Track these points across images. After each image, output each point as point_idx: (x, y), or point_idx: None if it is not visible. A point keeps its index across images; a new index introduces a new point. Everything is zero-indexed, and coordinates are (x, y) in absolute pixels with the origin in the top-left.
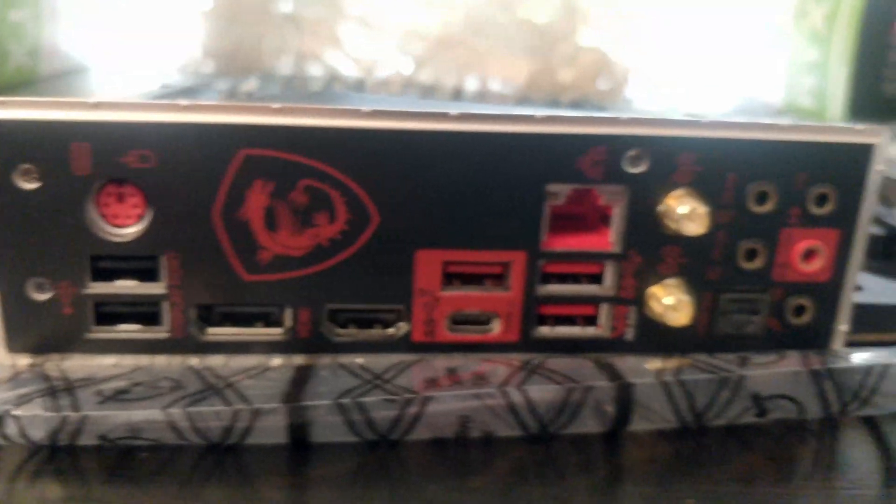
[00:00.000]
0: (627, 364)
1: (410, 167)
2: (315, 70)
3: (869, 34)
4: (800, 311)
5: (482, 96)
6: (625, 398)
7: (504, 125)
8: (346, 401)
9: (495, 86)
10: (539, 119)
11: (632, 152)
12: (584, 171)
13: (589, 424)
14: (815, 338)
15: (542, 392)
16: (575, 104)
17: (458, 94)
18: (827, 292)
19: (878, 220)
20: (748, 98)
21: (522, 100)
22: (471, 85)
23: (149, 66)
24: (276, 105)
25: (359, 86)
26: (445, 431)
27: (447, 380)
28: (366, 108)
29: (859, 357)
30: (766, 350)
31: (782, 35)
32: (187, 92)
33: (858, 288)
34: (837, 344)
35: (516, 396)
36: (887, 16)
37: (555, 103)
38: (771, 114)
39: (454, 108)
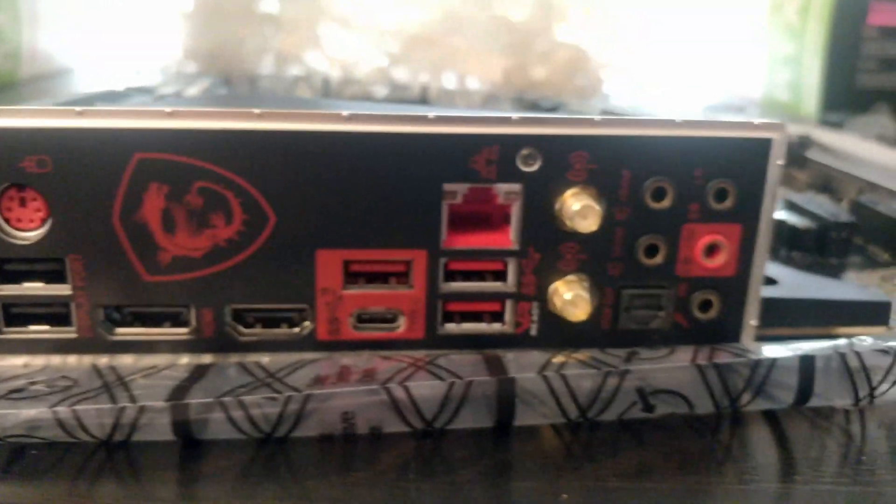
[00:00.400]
0: (520, 359)
1: (304, 168)
2: (295, 70)
3: (841, 26)
4: (706, 306)
5: (454, 94)
6: (506, 393)
7: (396, 126)
8: (227, 399)
9: (470, 83)
10: (432, 119)
11: (524, 151)
12: (478, 170)
13: (474, 419)
14: (723, 333)
15: (423, 388)
16: (548, 101)
17: (427, 93)
18: (733, 287)
19: (809, 214)
20: (728, 93)
21: (491, 98)
22: (446, 82)
23: (131, 67)
24: (167, 109)
25: (333, 85)
26: (331, 428)
27: (335, 377)
28: (258, 110)
29: (760, 351)
30: (675, 345)
31: (760, 29)
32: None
33: (773, 282)
34: (747, 339)
35: (398, 392)
36: (860, 7)
37: (522, 101)
38: (751, 108)
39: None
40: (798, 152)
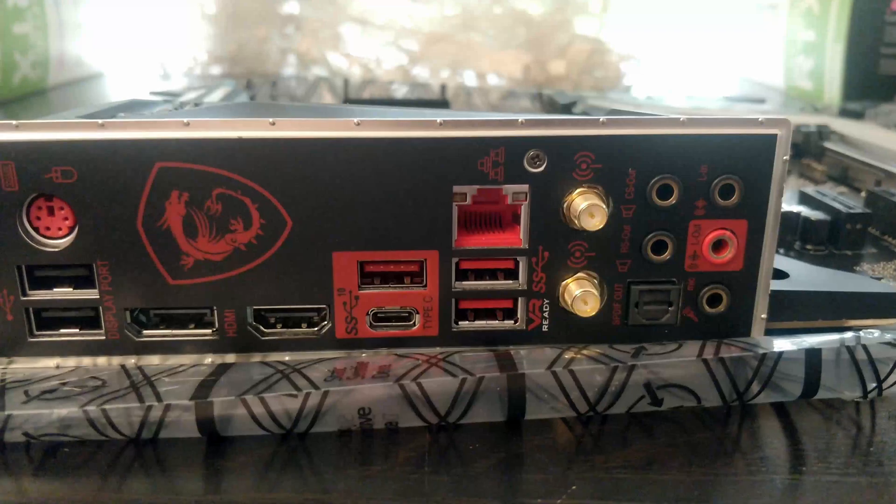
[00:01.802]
0: (531, 355)
1: (317, 173)
2: (316, 70)
3: (863, 13)
4: (715, 300)
5: (473, 91)
6: (517, 388)
7: (406, 131)
8: (249, 396)
9: (489, 80)
10: (440, 124)
11: (531, 153)
12: (487, 172)
13: (486, 414)
14: (733, 327)
15: (436, 384)
16: (566, 96)
17: (447, 90)
18: (741, 281)
19: (823, 205)
20: (749, 82)
21: (510, 94)
22: (465, 79)
23: (158, 69)
24: (185, 120)
25: (353, 86)
26: (349, 423)
27: (351, 372)
28: (272, 119)
29: (769, 345)
30: (685, 339)
31: (778, 17)
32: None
33: (784, 275)
34: (757, 332)
35: (412, 388)
36: None
37: (541, 96)
38: (773, 97)
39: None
40: (817, 143)
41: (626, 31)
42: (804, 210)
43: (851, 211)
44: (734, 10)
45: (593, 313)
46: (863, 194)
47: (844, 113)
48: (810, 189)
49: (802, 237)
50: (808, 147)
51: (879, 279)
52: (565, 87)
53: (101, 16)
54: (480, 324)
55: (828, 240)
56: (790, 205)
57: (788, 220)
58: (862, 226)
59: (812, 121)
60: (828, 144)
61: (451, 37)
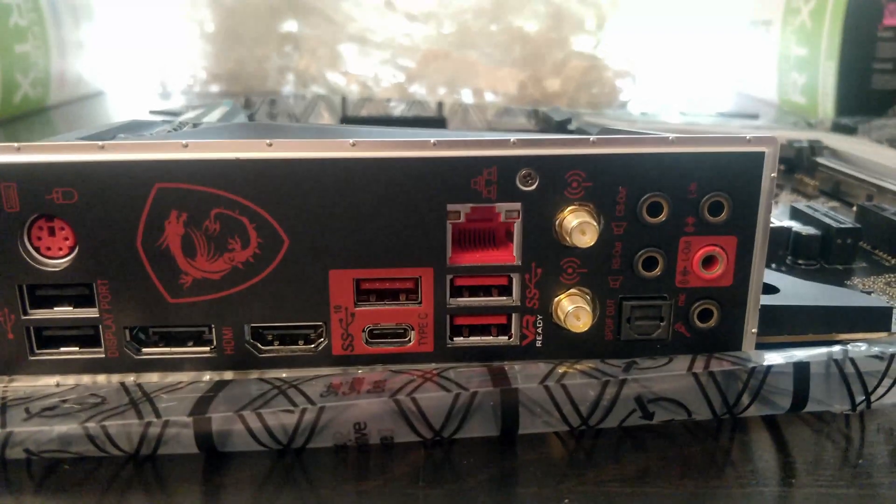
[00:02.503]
0: (524, 370)
1: (314, 192)
2: (314, 89)
3: (856, 28)
4: (706, 315)
5: (470, 108)
6: (510, 403)
7: (400, 151)
8: (246, 412)
9: (486, 97)
10: (433, 144)
11: (523, 172)
12: (480, 190)
13: (480, 429)
14: (724, 341)
15: (430, 399)
16: (561, 113)
17: (443, 108)
18: (731, 296)
19: (814, 220)
20: (742, 97)
21: (506, 111)
22: (461, 97)
23: (157, 88)
24: (183, 141)
25: (351, 104)
26: (345, 438)
27: (347, 388)
28: (269, 140)
29: (759, 359)
30: (677, 354)
31: (772, 32)
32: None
33: (774, 290)
34: (748, 346)
35: (407, 403)
36: (875, 9)
37: (536, 113)
38: (766, 112)
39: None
40: (809, 158)
41: (622, 47)
42: (795, 225)
43: (842, 226)
44: (728, 26)
45: (586, 329)
46: (854, 209)
47: (837, 128)
48: (801, 204)
49: (793, 252)
50: (801, 162)
51: (870, 293)
52: (561, 104)
53: (101, 35)
54: (475, 339)
55: (819, 254)
56: (781, 220)
57: (779, 235)
58: (852, 240)
59: (804, 136)
60: (820, 159)
61: (448, 54)
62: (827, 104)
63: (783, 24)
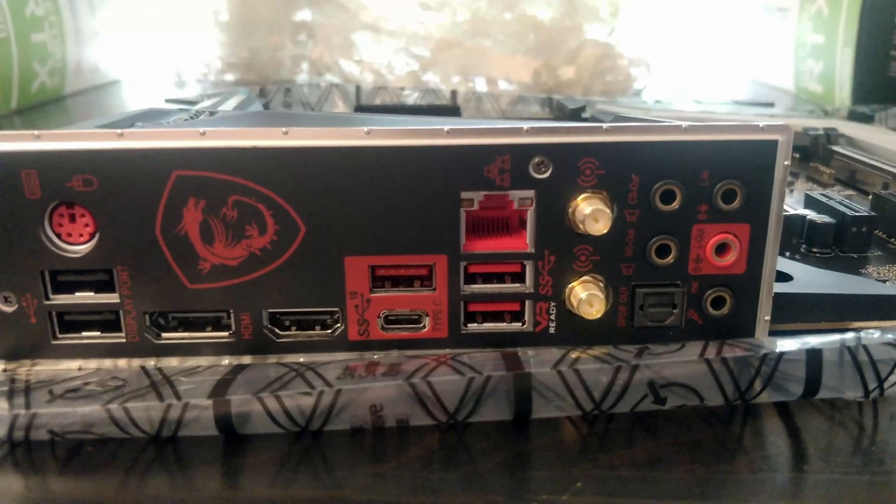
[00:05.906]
0: (538, 356)
1: (330, 180)
2: (328, 77)
3: (873, 17)
4: (719, 303)
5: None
6: (523, 387)
7: (414, 139)
8: (265, 394)
9: (500, 85)
10: (447, 132)
11: (536, 159)
12: (493, 178)
13: (494, 413)
14: (737, 329)
15: (445, 382)
16: (575, 101)
17: (457, 96)
18: (744, 284)
19: (829, 209)
20: (758, 84)
21: (520, 99)
22: (475, 85)
23: (174, 76)
24: (201, 129)
25: (365, 92)
26: (361, 421)
27: (363, 371)
28: (284, 128)
29: (772, 346)
30: (689, 341)
31: (788, 20)
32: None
33: (788, 278)
34: (761, 333)
35: (422, 386)
36: None
37: (550, 102)
38: (782, 100)
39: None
40: (825, 146)
41: (636, 35)
42: (810, 213)
43: (857, 214)
44: (744, 13)
45: (599, 315)
46: (870, 197)
47: (854, 116)
48: (816, 192)
49: (808, 240)
50: (816, 150)
51: (885, 282)
52: (575, 92)
53: (117, 24)
54: (489, 326)
55: (833, 243)
56: (796, 208)
57: (793, 223)
58: (868, 229)
59: (820, 124)
60: (836, 147)
61: (461, 43)
62: (843, 92)
63: (799, 10)
